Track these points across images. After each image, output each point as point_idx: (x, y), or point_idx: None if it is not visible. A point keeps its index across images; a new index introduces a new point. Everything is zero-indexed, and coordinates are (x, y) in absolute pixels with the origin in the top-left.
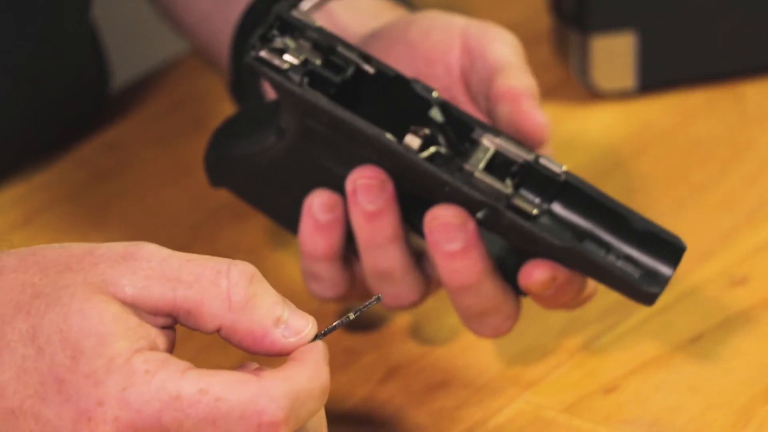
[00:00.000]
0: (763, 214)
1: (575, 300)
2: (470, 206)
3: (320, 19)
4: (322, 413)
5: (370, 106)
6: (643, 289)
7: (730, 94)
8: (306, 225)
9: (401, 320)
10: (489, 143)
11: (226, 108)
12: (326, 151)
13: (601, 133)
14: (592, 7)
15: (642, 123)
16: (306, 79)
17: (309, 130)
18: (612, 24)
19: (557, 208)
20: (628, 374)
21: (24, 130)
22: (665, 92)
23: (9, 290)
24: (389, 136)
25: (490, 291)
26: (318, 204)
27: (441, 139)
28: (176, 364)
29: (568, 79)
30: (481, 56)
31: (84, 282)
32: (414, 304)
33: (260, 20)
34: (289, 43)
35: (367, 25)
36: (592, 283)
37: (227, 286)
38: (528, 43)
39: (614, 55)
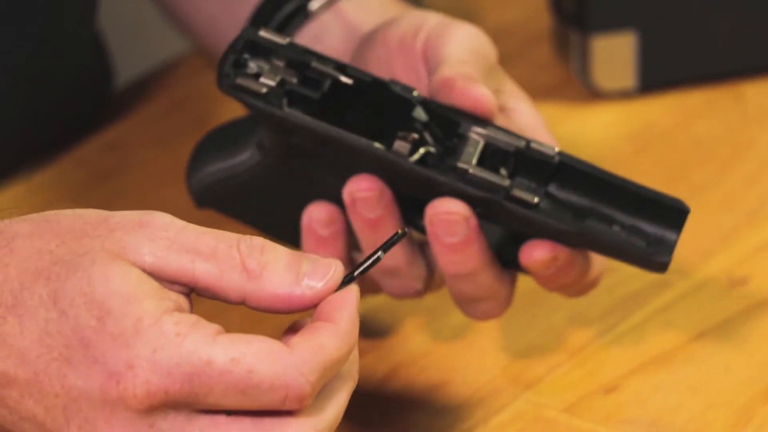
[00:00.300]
0: (763, 214)
1: (579, 283)
2: (470, 202)
3: (329, 17)
4: (354, 355)
5: (353, 114)
6: (654, 260)
7: (730, 94)
8: (308, 240)
9: (402, 320)
10: (477, 136)
11: (226, 108)
12: (315, 164)
13: (602, 133)
14: (592, 7)
15: (642, 123)
16: (285, 100)
17: (295, 148)
18: (612, 24)
19: (555, 189)
20: (629, 374)
21: (25, 130)
22: (665, 92)
23: (26, 257)
24: (378, 145)
25: (486, 280)
26: (317, 220)
27: (428, 137)
28: (207, 327)
29: (569, 78)
30: (433, 59)
31: (103, 249)
32: (419, 293)
33: (268, 21)
34: (263, 65)
35: (375, 23)
36: (596, 268)
37: (240, 257)
38: (528, 43)
39: (614, 55)
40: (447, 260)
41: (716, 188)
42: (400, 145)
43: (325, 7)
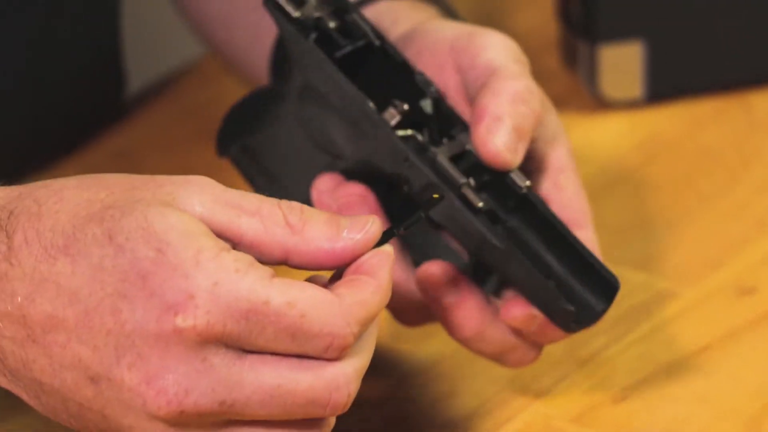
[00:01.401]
0: None
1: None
2: (424, 189)
3: None
4: (378, 318)
5: (367, 80)
6: (573, 317)
7: (738, 104)
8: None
9: (409, 330)
10: (465, 140)
11: None
12: (317, 115)
13: (609, 142)
14: (600, 17)
15: (650, 132)
16: (314, 35)
17: (305, 89)
18: (620, 33)
19: (512, 220)
20: (637, 384)
21: (36, 135)
22: (673, 101)
23: (75, 204)
24: (371, 104)
25: (497, 336)
26: (324, 191)
27: (424, 130)
28: (263, 269)
29: (576, 88)
30: (471, 68)
31: (154, 198)
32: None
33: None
34: (311, 0)
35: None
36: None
37: (282, 214)
38: (536, 52)
39: (622, 64)
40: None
41: (724, 198)
42: (390, 113)
43: None
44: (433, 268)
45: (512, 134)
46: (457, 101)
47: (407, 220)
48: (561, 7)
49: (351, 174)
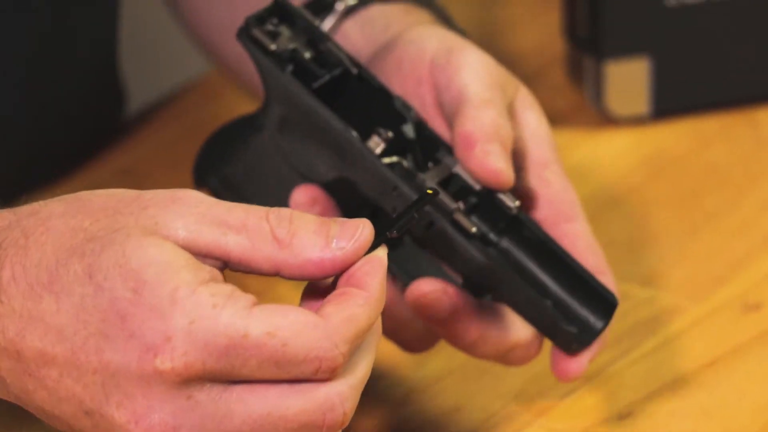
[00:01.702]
0: None
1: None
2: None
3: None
4: (378, 323)
5: (346, 108)
6: (571, 336)
7: (744, 120)
8: None
9: None
10: (451, 163)
11: None
12: (297, 146)
13: (615, 158)
14: (606, 33)
15: (656, 149)
16: (290, 67)
17: (285, 121)
18: (626, 49)
19: (505, 243)
20: (643, 400)
21: (38, 153)
22: (679, 118)
23: (60, 235)
24: (354, 133)
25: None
26: (299, 203)
27: (408, 155)
28: (243, 299)
29: (582, 104)
30: (446, 89)
31: (136, 224)
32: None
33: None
34: (284, 31)
35: (377, 39)
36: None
37: (269, 228)
38: (542, 68)
39: (628, 80)
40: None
41: (730, 214)
42: (375, 141)
43: (332, 31)
44: (423, 287)
45: (505, 154)
46: (433, 116)
47: (399, 221)
48: (567, 23)
49: (333, 191)
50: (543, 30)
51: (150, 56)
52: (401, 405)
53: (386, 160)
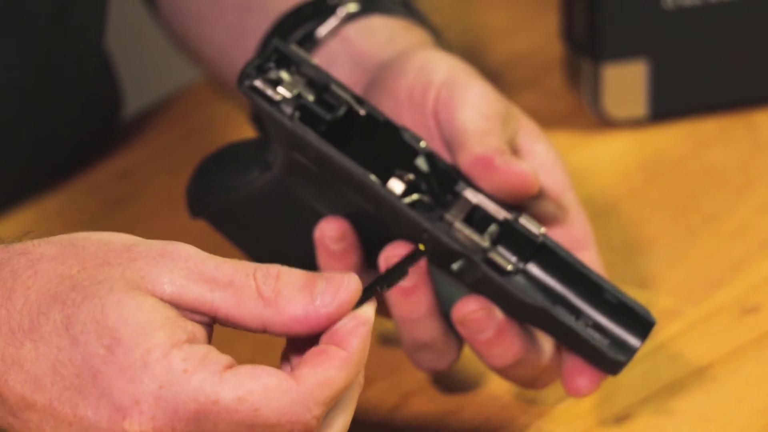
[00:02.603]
0: None
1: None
2: (446, 256)
3: (336, 45)
4: (359, 378)
5: (357, 147)
6: (610, 356)
7: (742, 123)
8: (321, 255)
9: None
10: (471, 196)
11: (238, 136)
12: (310, 187)
13: (613, 161)
14: (604, 36)
15: (654, 151)
16: (297, 113)
17: (295, 165)
18: (624, 52)
19: (532, 268)
20: (640, 402)
21: (35, 155)
22: (677, 121)
23: (47, 280)
24: (373, 177)
25: (533, 362)
26: (329, 236)
27: (424, 188)
28: (215, 362)
29: (580, 107)
30: (447, 124)
31: (122, 277)
32: (451, 364)
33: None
34: (284, 76)
35: (381, 51)
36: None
37: (255, 286)
38: (540, 71)
39: (626, 83)
40: (489, 354)
41: (728, 217)
42: (395, 184)
43: (332, 34)
44: (470, 305)
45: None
46: (440, 149)
47: (390, 276)
48: (565, 26)
49: (354, 223)
50: (541, 33)
51: (147, 60)
52: (399, 407)
53: (407, 199)
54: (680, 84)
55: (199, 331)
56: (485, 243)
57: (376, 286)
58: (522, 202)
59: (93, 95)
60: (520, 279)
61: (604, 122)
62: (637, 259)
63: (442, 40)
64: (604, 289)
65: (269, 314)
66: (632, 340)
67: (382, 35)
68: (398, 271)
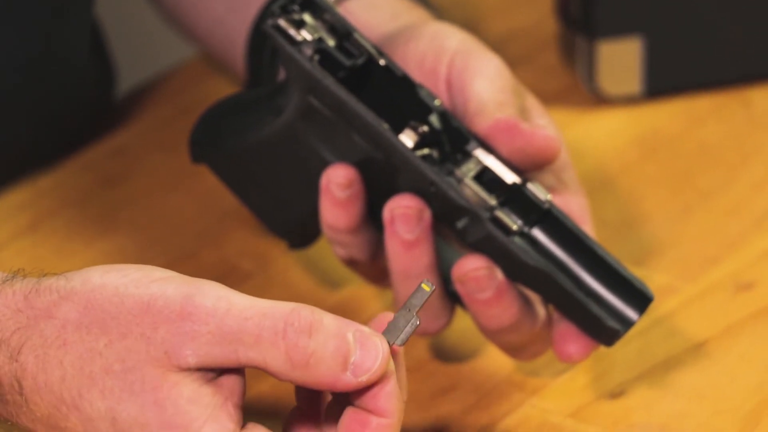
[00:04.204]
0: None
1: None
2: (452, 211)
3: None
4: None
5: (372, 99)
6: (607, 324)
7: (737, 100)
8: (326, 201)
9: None
10: (482, 157)
11: None
12: (321, 134)
13: (608, 138)
14: (598, 13)
15: (649, 128)
16: (317, 56)
17: (309, 109)
18: (619, 29)
19: (537, 233)
20: (635, 379)
21: (29, 133)
22: (672, 98)
23: (78, 356)
24: (386, 126)
25: (527, 327)
26: (336, 184)
27: (435, 146)
28: None
29: (575, 84)
30: (460, 92)
31: (148, 359)
32: (444, 328)
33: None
34: (308, 19)
35: (385, 25)
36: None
37: (285, 348)
38: (535, 48)
39: (621, 60)
40: (485, 316)
41: (723, 194)
42: (408, 134)
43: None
44: (470, 264)
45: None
46: (446, 104)
47: (399, 326)
48: (560, 4)
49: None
50: (536, 10)
51: (140, 37)
52: None
53: (418, 153)
54: (675, 61)
55: (236, 383)
56: (492, 201)
57: (390, 342)
58: (540, 168)
59: (85, 71)
60: (523, 242)
61: (598, 99)
62: (632, 236)
63: (443, 19)
64: (606, 261)
65: (298, 375)
66: (630, 312)
67: (385, 11)
68: (410, 322)
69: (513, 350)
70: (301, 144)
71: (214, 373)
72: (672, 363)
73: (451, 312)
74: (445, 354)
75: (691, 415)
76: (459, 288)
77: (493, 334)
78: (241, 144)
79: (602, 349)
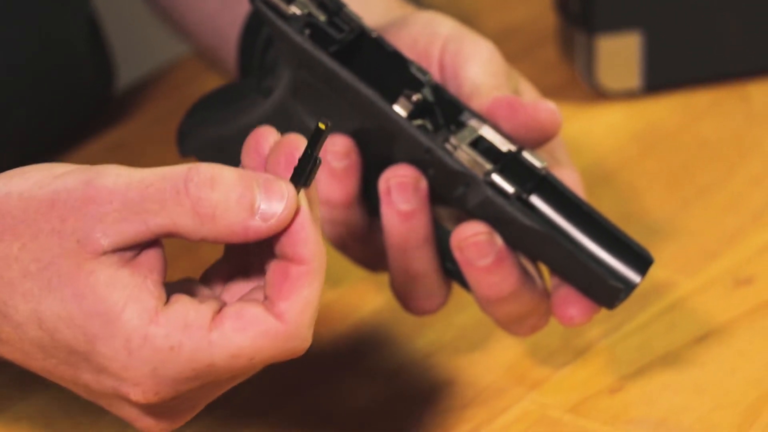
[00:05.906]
0: None
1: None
2: (449, 179)
3: None
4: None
5: (364, 73)
6: (610, 283)
7: (736, 95)
8: (321, 174)
9: (407, 320)
10: (476, 126)
11: None
12: (314, 109)
13: (607, 133)
14: (597, 7)
15: (647, 123)
16: (308, 31)
17: (301, 84)
18: (618, 24)
19: (534, 200)
20: (634, 374)
21: (28, 129)
22: (671, 92)
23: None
24: (380, 96)
25: (527, 296)
26: (333, 153)
27: (429, 117)
28: (198, 326)
29: (574, 79)
30: (454, 77)
31: (62, 253)
32: (440, 308)
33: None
34: None
35: (378, 20)
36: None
37: (190, 204)
38: (533, 43)
39: (620, 55)
40: (485, 284)
41: (721, 189)
42: (402, 102)
43: None
44: (470, 229)
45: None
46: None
47: (304, 169)
48: None
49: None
50: (534, 5)
51: (138, 33)
52: (392, 379)
53: (413, 121)
54: (674, 56)
55: (154, 259)
56: (489, 165)
57: (297, 185)
58: (540, 144)
59: (84, 66)
60: (521, 207)
61: (597, 94)
62: (630, 231)
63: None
64: (604, 226)
65: (207, 229)
66: (632, 275)
67: (377, 7)
68: (311, 158)
69: (511, 323)
70: (293, 122)
71: (132, 252)
72: (671, 358)
73: (447, 290)
74: (443, 348)
75: (690, 410)
76: (458, 256)
77: (492, 305)
78: (230, 130)
79: (601, 344)
